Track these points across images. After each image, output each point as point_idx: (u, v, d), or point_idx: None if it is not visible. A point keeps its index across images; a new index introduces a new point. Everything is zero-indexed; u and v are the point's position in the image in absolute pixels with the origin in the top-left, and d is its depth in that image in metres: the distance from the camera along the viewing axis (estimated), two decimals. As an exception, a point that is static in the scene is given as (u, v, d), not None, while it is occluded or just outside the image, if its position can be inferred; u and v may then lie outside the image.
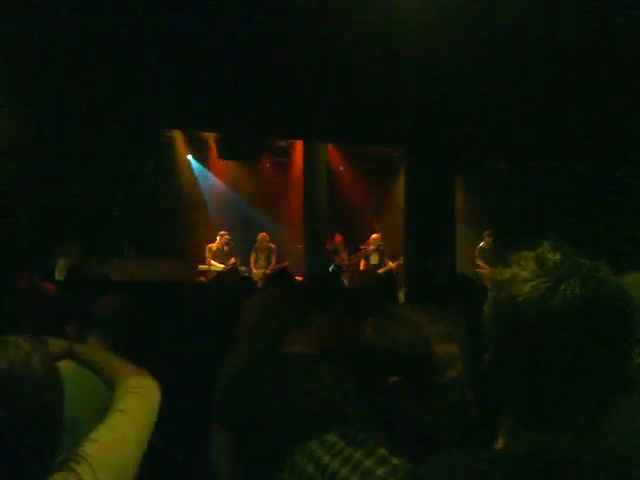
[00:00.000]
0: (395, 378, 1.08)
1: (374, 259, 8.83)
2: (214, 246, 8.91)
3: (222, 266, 8.64)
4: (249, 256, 9.22)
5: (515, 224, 8.29)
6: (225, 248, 8.73)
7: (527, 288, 0.67)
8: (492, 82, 6.38)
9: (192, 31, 5.61)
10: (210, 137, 9.88)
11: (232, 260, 8.69)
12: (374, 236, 8.97)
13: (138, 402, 1.29)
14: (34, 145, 6.95)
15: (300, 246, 9.37)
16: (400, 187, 9.59)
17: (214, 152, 9.99)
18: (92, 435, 1.14)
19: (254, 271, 8.90)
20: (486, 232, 8.65)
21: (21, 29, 5.52)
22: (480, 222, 9.16)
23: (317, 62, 6.14)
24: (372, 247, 8.86)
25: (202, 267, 8.67)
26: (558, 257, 0.70)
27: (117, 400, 1.28)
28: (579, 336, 0.65)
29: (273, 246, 9.19)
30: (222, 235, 8.90)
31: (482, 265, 8.35)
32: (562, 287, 0.67)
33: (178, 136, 9.81)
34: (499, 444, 0.72)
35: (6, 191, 6.69)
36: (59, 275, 4.80)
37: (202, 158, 10.25)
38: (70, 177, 7.58)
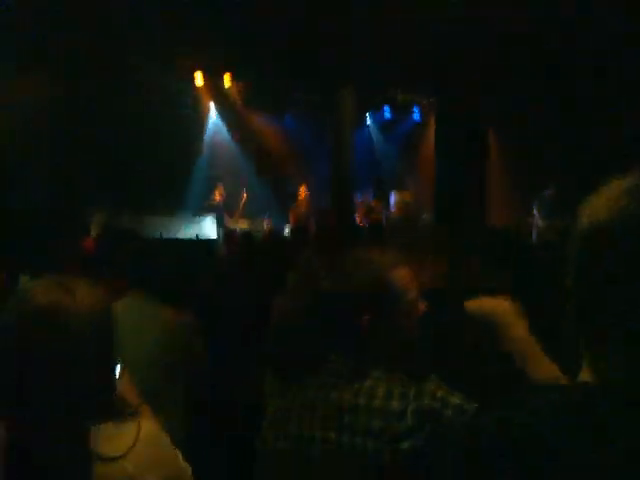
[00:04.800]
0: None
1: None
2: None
3: (248, 222, 8.70)
4: (274, 210, 9.23)
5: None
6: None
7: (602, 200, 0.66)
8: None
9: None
10: (234, 90, 9.69)
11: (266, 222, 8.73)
12: (403, 196, 8.78)
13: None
14: (66, 101, 6.95)
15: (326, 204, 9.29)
16: (429, 139, 9.37)
17: (239, 105, 9.83)
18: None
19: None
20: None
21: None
22: (515, 173, 8.88)
23: (346, 8, 5.90)
24: (397, 211, 8.72)
25: (230, 222, 8.71)
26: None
27: None
28: None
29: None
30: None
31: (537, 214, 7.77)
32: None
33: (203, 92, 9.64)
34: (584, 376, 0.68)
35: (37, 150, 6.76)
36: (94, 231, 4.89)
37: (227, 112, 10.11)
38: (100, 134, 7.58)
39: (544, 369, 1.19)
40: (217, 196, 8.76)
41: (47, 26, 5.93)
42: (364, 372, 1.20)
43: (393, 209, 8.70)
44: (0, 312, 1.03)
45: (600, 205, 0.66)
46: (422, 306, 1.30)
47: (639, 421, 0.60)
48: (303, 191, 9.08)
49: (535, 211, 7.86)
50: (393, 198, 8.80)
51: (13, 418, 0.98)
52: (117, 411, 1.06)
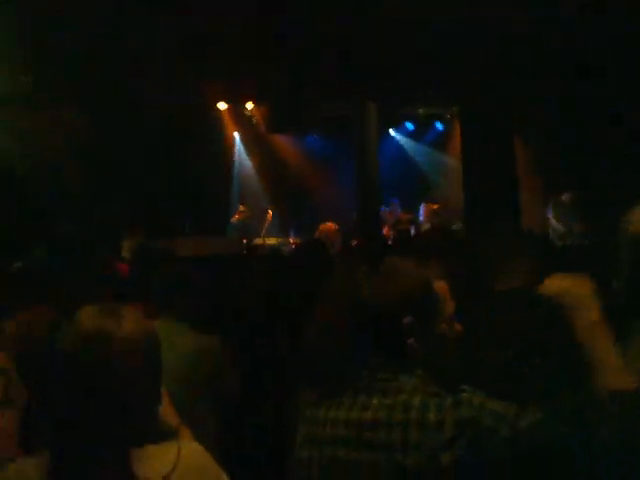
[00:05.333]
0: (409, 318, 1.22)
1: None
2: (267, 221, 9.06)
3: (275, 239, 8.77)
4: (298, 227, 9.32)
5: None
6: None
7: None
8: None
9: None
10: (256, 113, 9.86)
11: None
12: (433, 207, 8.73)
13: None
14: (93, 133, 7.18)
15: (354, 214, 9.28)
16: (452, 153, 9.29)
17: (262, 128, 10.01)
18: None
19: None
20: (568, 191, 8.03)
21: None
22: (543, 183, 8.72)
23: (365, 22, 5.94)
24: (425, 220, 8.68)
25: (257, 241, 8.80)
26: None
27: None
28: None
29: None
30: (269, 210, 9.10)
31: (552, 220, 7.79)
32: None
33: (225, 115, 9.85)
34: None
35: (67, 178, 6.98)
36: (125, 254, 5.00)
37: (250, 135, 10.30)
38: (130, 162, 7.81)
39: (611, 365, 1.13)
40: (237, 215, 8.99)
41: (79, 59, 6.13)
42: (397, 387, 1.18)
43: (422, 220, 8.64)
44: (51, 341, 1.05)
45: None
46: (458, 327, 1.30)
47: None
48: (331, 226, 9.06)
49: (551, 215, 7.85)
50: (422, 209, 8.76)
51: (62, 442, 0.98)
52: (158, 432, 1.06)
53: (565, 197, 7.95)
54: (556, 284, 1.23)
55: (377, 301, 1.24)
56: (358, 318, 1.27)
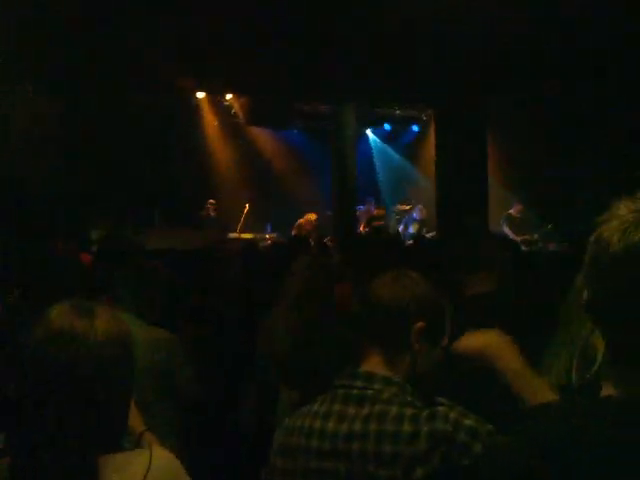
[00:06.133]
0: (421, 323, 1.22)
1: (414, 228, 8.87)
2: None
3: (251, 235, 8.70)
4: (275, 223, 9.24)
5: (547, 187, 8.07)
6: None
7: (615, 223, 0.69)
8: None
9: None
10: (236, 103, 9.75)
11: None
12: (403, 207, 9.00)
13: None
14: (65, 118, 7.01)
15: (329, 212, 9.29)
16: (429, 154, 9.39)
17: (240, 119, 9.90)
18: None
19: None
20: (517, 200, 8.51)
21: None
22: (510, 180, 8.92)
23: (345, 23, 5.93)
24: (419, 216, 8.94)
25: (233, 235, 8.73)
26: None
27: None
28: None
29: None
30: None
31: (508, 232, 8.19)
32: None
33: (204, 103, 9.72)
34: (604, 392, 0.71)
35: (39, 165, 6.81)
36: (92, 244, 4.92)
37: (228, 125, 10.18)
38: (100, 148, 7.64)
39: (540, 397, 1.16)
40: (208, 211, 8.90)
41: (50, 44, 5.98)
42: (374, 396, 1.16)
43: (417, 218, 8.93)
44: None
45: (613, 232, 0.68)
46: (445, 340, 1.29)
47: None
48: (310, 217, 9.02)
49: (505, 227, 8.41)
50: (417, 210, 9.03)
51: (27, 443, 0.95)
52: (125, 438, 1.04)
53: (514, 210, 8.40)
54: (474, 340, 1.26)
55: (390, 304, 1.22)
56: (359, 320, 1.26)
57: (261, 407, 2.40)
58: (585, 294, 0.72)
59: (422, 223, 8.97)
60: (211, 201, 9.06)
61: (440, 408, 1.13)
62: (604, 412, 0.66)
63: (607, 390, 0.71)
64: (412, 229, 8.94)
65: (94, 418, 0.96)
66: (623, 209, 0.70)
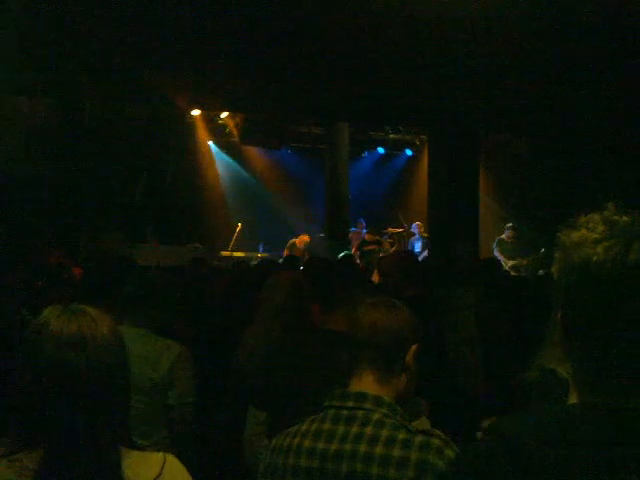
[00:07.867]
0: (416, 345, 1.29)
1: (420, 246, 8.97)
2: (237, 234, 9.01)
3: (242, 253, 8.69)
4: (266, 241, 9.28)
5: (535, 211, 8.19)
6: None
7: (600, 249, 0.69)
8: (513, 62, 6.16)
9: (215, 8, 5.53)
10: (230, 123, 9.83)
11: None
12: (395, 230, 9.07)
13: None
14: (60, 131, 7.03)
15: (322, 235, 9.31)
16: (422, 178, 9.52)
17: (235, 138, 9.97)
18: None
19: None
20: (508, 225, 8.62)
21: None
22: (502, 206, 9.04)
23: (340, 46, 6.04)
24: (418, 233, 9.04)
25: (224, 253, 8.71)
26: (625, 218, 0.72)
27: None
28: None
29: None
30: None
31: (499, 257, 8.28)
32: (635, 246, 0.68)
33: (199, 121, 9.78)
34: (571, 399, 0.73)
35: (32, 176, 6.80)
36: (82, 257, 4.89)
37: (222, 144, 10.24)
38: (93, 164, 7.65)
39: None
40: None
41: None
42: (364, 416, 1.17)
43: (415, 231, 9.01)
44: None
45: (585, 244, 0.69)
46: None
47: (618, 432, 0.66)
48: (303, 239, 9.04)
49: (496, 252, 8.55)
50: (415, 226, 9.12)
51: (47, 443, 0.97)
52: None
53: (505, 235, 8.55)
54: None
55: (389, 328, 1.26)
56: (358, 343, 1.28)
57: (232, 424, 2.37)
58: (560, 314, 0.73)
59: (424, 241, 8.99)
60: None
61: (435, 440, 1.13)
62: (570, 417, 0.69)
63: (572, 399, 0.73)
64: (418, 248, 8.98)
65: (107, 415, 0.99)
66: (599, 227, 0.70)
